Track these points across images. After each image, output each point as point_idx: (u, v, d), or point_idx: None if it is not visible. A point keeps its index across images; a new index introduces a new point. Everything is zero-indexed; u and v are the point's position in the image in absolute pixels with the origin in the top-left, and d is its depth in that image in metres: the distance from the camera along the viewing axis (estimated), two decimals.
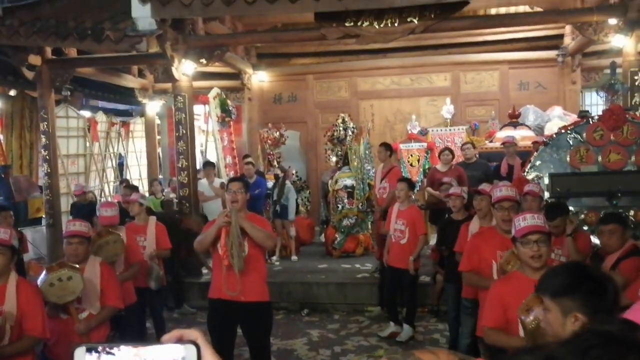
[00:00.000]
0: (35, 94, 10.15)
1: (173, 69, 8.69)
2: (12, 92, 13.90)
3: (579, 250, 4.53)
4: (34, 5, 8.91)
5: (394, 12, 7.99)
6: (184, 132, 9.04)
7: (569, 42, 11.24)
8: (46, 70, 9.26)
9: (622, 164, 5.96)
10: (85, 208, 9.11)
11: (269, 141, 11.38)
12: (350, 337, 6.94)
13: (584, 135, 6.08)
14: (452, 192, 6.11)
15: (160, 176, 13.30)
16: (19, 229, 7.36)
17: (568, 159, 6.10)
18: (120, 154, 15.02)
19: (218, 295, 4.53)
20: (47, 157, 9.47)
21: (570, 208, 5.58)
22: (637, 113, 6.71)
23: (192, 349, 0.95)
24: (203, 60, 8.86)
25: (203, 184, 9.53)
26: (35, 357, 3.77)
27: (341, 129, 10.18)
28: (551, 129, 9.36)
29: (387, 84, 12.68)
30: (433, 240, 7.55)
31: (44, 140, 9.49)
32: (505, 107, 11.47)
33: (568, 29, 11.23)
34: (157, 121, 13.62)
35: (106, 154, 13.96)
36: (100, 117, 13.77)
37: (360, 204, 9.80)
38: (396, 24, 8.05)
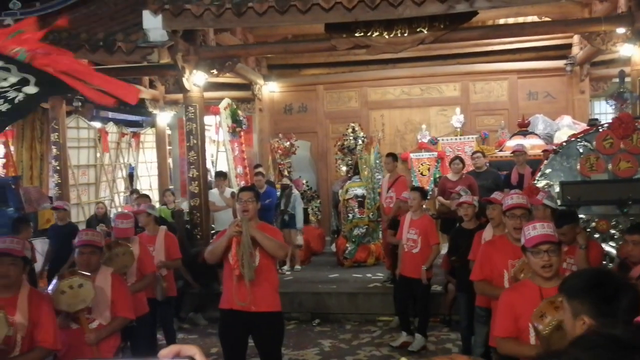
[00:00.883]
0: (46, 105, 10.24)
1: (184, 79, 8.74)
2: None
3: (590, 261, 4.48)
4: (46, 17, 8.99)
5: (404, 23, 8.03)
6: (195, 142, 9.07)
7: (577, 51, 11.23)
8: None
9: (632, 172, 5.92)
10: (63, 231, 8.04)
11: (279, 151, 11.42)
12: (362, 347, 6.91)
13: (594, 143, 6.05)
14: (464, 201, 6.09)
15: (171, 186, 13.34)
16: (30, 240, 7.39)
17: (578, 167, 6.07)
18: (130, 165, 15.10)
19: (229, 305, 4.51)
20: (58, 167, 9.53)
21: (581, 216, 5.55)
22: None
23: None
24: (214, 71, 8.90)
25: (214, 193, 9.55)
26: None
27: (351, 138, 10.19)
28: (560, 137, 9.33)
29: (397, 94, 12.70)
30: (444, 250, 7.53)
31: (54, 151, 9.56)
32: (515, 117, 11.46)
33: (576, 38, 11.23)
34: (168, 132, 13.69)
35: (116, 164, 14.04)
36: (111, 127, 13.87)
37: (371, 213, 9.79)
38: (406, 35, 8.08)
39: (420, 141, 11.70)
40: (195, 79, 8.90)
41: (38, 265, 8.99)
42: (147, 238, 6.01)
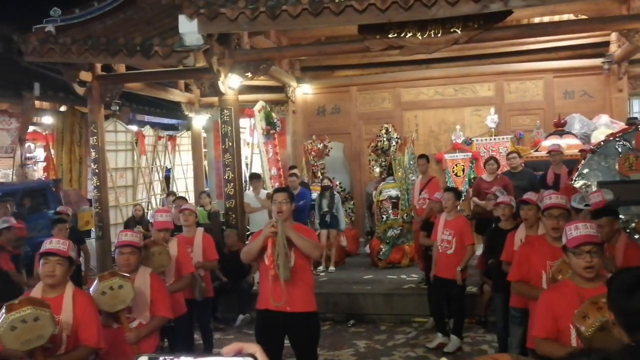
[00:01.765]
0: (84, 109, 10.45)
1: (219, 83, 8.83)
2: (63, 108, 14.36)
3: (630, 260, 4.40)
4: (85, 24, 9.21)
5: (437, 23, 7.98)
6: (230, 144, 9.16)
7: (614, 49, 11.02)
8: (96, 86, 9.54)
9: None
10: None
11: (313, 153, 11.47)
12: (398, 348, 6.91)
13: (633, 142, 5.95)
14: (501, 201, 6.05)
15: (207, 188, 13.51)
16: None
17: (617, 166, 5.98)
18: (166, 167, 15.31)
19: (265, 305, 4.56)
20: (97, 170, 9.71)
21: (620, 216, 5.45)
22: None
23: None
24: (249, 74, 8.97)
25: (249, 195, 9.64)
26: None
27: (385, 139, 10.18)
28: (598, 137, 9.18)
29: (431, 94, 12.63)
30: (479, 251, 7.48)
31: (93, 154, 9.74)
32: (550, 116, 11.30)
33: (614, 36, 11.01)
34: (204, 134, 13.86)
35: (153, 167, 14.26)
36: (148, 131, 14.09)
37: (405, 214, 9.77)
38: (439, 35, 8.03)
39: (454, 142, 11.63)
40: (230, 82, 8.99)
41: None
42: (185, 239, 6.09)
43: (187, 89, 13.12)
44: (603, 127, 10.00)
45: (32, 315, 3.27)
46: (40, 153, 15.11)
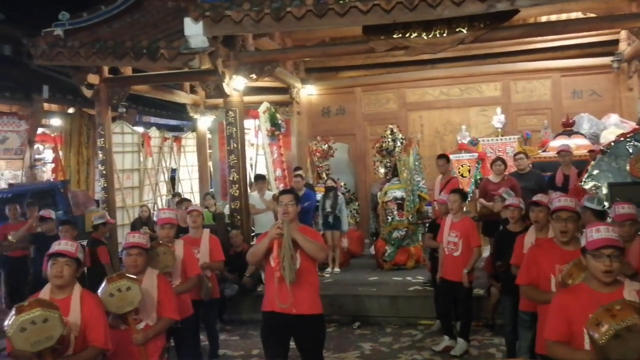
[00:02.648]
0: (92, 111, 10.48)
1: (224, 84, 8.85)
2: (71, 110, 14.45)
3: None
4: (92, 27, 9.28)
5: (443, 23, 7.95)
6: (235, 146, 9.17)
7: (624, 47, 10.95)
8: (104, 89, 9.59)
9: None
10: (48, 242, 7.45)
11: (317, 154, 11.46)
12: (404, 350, 6.87)
13: None
14: (511, 203, 5.98)
15: (212, 189, 13.50)
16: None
17: (628, 167, 5.90)
18: (172, 168, 15.34)
19: (271, 307, 4.53)
20: (104, 172, 9.75)
21: None
22: None
23: None
24: (253, 76, 8.99)
25: (254, 196, 9.63)
26: None
27: (390, 140, 10.15)
28: (607, 137, 9.11)
29: (436, 94, 12.61)
30: (486, 253, 7.43)
31: (101, 155, 9.78)
32: (558, 116, 11.25)
33: (623, 34, 10.94)
34: (209, 135, 13.87)
35: (159, 168, 14.28)
36: (154, 132, 14.12)
37: (411, 215, 9.72)
38: (445, 35, 8.00)
39: (460, 142, 11.57)
40: (235, 84, 9.00)
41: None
42: (191, 240, 6.08)
43: (193, 90, 13.15)
44: (613, 127, 9.92)
45: (41, 317, 3.31)
46: (48, 155, 15.21)
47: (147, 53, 8.31)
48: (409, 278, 9.06)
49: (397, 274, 9.38)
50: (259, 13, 7.77)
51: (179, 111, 16.62)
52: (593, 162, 6.20)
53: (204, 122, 13.47)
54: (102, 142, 9.70)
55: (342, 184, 11.37)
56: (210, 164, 14.20)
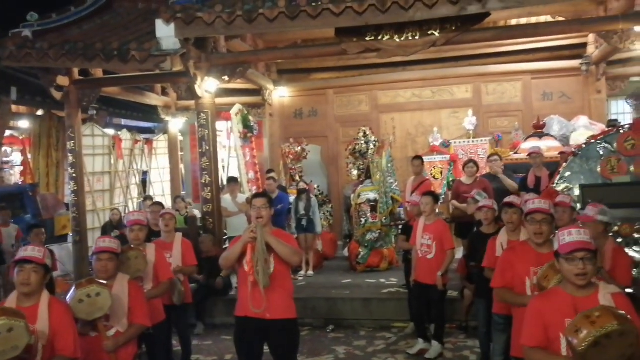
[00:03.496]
0: (61, 113, 10.29)
1: (196, 86, 8.77)
2: (40, 112, 14.20)
3: (617, 266, 4.37)
4: (62, 28, 9.12)
5: (415, 26, 7.97)
6: (207, 148, 9.09)
7: (592, 50, 11.13)
8: (74, 91, 9.41)
9: None
10: None
11: (290, 156, 11.42)
12: (378, 354, 6.85)
13: (615, 145, 5.95)
14: (484, 205, 5.99)
15: (183, 192, 13.37)
16: (47, 246, 7.43)
17: (599, 169, 5.97)
18: (143, 171, 15.17)
19: (244, 312, 4.48)
20: (74, 174, 9.58)
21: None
22: None
23: None
24: (225, 78, 8.93)
25: (226, 199, 9.55)
26: None
27: (363, 142, 10.16)
28: (577, 139, 9.24)
29: (408, 96, 12.67)
30: (459, 255, 7.45)
31: (70, 158, 9.62)
32: (529, 118, 11.38)
33: (591, 37, 11.13)
34: (180, 138, 13.75)
35: (130, 171, 14.10)
36: (125, 134, 13.95)
37: (384, 217, 9.74)
38: (417, 37, 8.03)
39: (432, 144, 11.65)
40: (207, 86, 8.93)
41: (56, 273, 9.07)
42: (163, 244, 5.99)
43: (164, 92, 13.00)
44: (582, 129, 10.07)
45: (5, 327, 3.21)
46: (17, 157, 14.93)
47: (118, 55, 8.20)
48: (382, 280, 9.06)
49: (370, 276, 9.37)
50: (231, 15, 7.72)
51: (150, 113, 16.45)
52: (565, 164, 6.25)
53: (176, 124, 13.34)
54: (72, 145, 9.53)
55: (315, 186, 11.34)
56: (182, 166, 14.07)
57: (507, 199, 5.31)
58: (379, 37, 8.09)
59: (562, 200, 4.92)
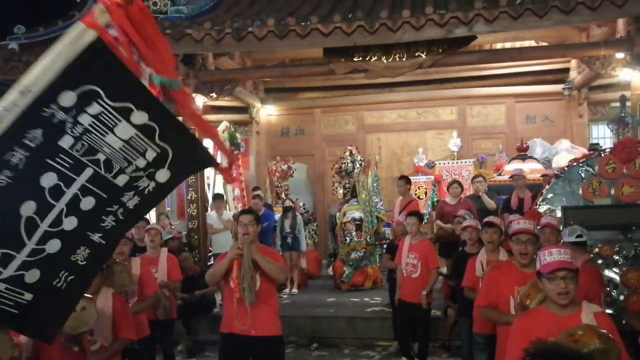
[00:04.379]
0: None
1: None
2: None
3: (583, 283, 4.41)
4: (49, 42, 9.05)
5: (402, 47, 8.10)
6: None
7: (574, 75, 11.32)
8: None
9: (635, 196, 5.89)
10: None
11: (277, 174, 11.43)
12: None
13: (596, 168, 6.04)
14: (469, 225, 6.06)
15: (168, 208, 13.29)
16: None
17: (580, 192, 6.05)
18: None
19: (229, 329, 4.47)
20: None
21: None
22: None
23: None
24: (213, 95, 8.97)
25: (212, 216, 9.53)
26: None
27: (349, 161, 10.20)
28: (559, 162, 9.35)
29: (394, 117, 12.77)
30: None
31: None
32: (512, 140, 11.51)
33: (574, 62, 11.32)
34: None
35: None
36: None
37: (369, 236, 9.76)
38: (404, 59, 8.15)
39: (417, 165, 11.72)
40: (195, 103, 8.94)
41: None
42: (148, 259, 5.97)
43: None
44: (564, 152, 10.19)
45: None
46: None
47: None
48: (366, 299, 9.06)
49: (354, 294, 9.37)
50: (220, 32, 7.78)
51: None
52: (548, 186, 6.33)
53: None
54: None
55: (301, 204, 11.35)
56: None
57: (487, 219, 5.38)
58: (367, 58, 8.20)
59: (549, 222, 4.98)
